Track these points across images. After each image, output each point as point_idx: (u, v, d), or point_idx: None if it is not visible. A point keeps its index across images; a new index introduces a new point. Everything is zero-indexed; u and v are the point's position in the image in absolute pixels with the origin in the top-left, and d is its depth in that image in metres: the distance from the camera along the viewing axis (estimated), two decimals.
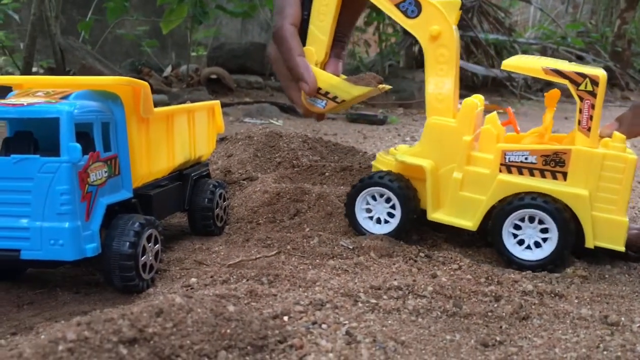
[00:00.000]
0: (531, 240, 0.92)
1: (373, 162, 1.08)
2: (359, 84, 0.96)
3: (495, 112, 1.02)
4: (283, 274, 0.84)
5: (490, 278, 0.84)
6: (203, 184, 1.06)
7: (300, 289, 0.79)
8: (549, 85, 5.61)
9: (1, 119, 0.77)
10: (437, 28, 0.93)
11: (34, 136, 0.79)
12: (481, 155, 0.96)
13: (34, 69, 3.47)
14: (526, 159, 0.92)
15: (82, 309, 0.73)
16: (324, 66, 1.00)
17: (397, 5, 0.95)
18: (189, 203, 1.04)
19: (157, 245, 0.84)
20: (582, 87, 0.89)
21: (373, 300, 0.74)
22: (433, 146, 0.97)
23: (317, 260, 0.91)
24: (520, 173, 0.92)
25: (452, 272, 0.87)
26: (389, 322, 0.70)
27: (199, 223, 1.05)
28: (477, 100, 1.01)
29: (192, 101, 3.38)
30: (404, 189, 0.97)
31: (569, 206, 0.90)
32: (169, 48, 5.63)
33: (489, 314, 0.73)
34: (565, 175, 0.90)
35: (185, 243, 1.02)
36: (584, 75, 0.89)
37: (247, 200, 1.17)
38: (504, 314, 0.73)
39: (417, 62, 6.09)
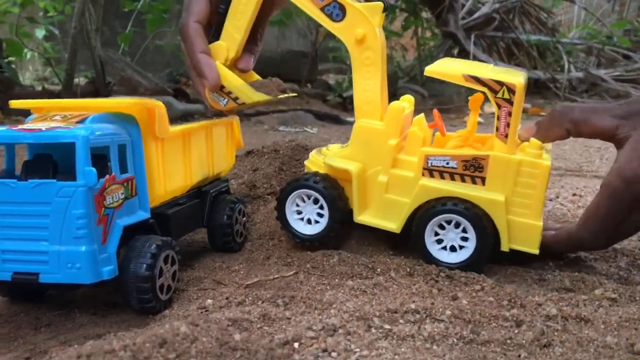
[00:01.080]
0: (452, 244, 0.94)
1: (305, 162, 1.10)
2: (261, 91, 0.98)
3: (422, 115, 1.04)
4: (299, 295, 0.83)
5: (512, 301, 0.82)
6: (222, 200, 1.07)
7: (316, 312, 0.78)
8: (595, 85, 5.46)
9: (17, 144, 0.79)
10: (361, 31, 0.95)
11: (53, 159, 0.80)
12: (406, 158, 0.98)
13: (76, 80, 3.57)
14: (447, 163, 0.94)
15: (97, 332, 0.74)
16: (235, 62, 1.01)
17: (322, 9, 0.97)
18: (208, 220, 1.04)
19: (175, 266, 0.84)
20: (499, 94, 0.90)
21: (387, 326, 0.72)
22: (361, 149, 0.99)
23: (336, 280, 0.90)
24: (442, 177, 0.94)
25: (473, 294, 0.84)
26: (402, 349, 0.68)
27: (218, 240, 1.06)
28: (405, 102, 1.03)
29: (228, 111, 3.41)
30: (331, 190, 0.98)
31: (486, 212, 0.92)
32: None
33: (508, 341, 0.71)
34: (483, 180, 0.93)
35: (206, 261, 1.02)
36: (501, 83, 0.90)
37: (270, 215, 1.16)
38: (524, 341, 0.71)
39: None
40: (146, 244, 0.80)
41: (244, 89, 0.98)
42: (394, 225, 0.97)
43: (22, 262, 0.74)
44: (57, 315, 0.81)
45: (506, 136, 0.92)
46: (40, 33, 5.97)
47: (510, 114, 0.91)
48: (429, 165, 0.95)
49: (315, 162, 1.06)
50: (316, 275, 0.92)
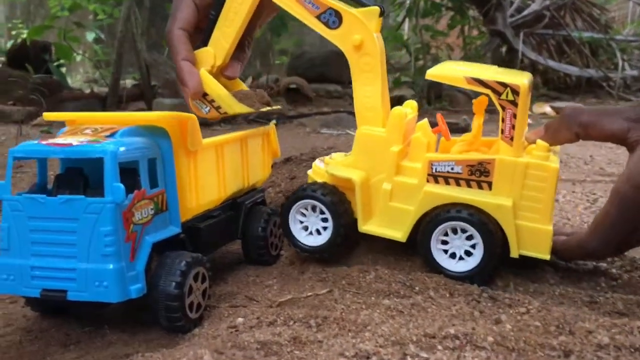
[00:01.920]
0: (459, 252, 0.91)
1: (309, 172, 1.07)
2: (244, 103, 0.96)
3: (425, 120, 1.00)
4: (333, 315, 0.79)
5: (561, 326, 0.76)
6: (257, 212, 1.04)
7: (349, 335, 0.74)
8: None
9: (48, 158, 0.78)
10: (358, 37, 0.92)
11: (84, 172, 0.79)
12: (410, 165, 0.95)
13: (123, 82, 3.63)
14: (452, 169, 0.91)
15: (126, 351, 0.73)
16: (222, 69, 1.00)
17: (318, 17, 0.94)
18: (242, 232, 1.02)
19: (205, 283, 0.82)
20: (503, 96, 0.87)
21: (424, 355, 0.68)
22: (364, 156, 0.97)
23: (372, 299, 0.86)
24: (447, 183, 0.91)
25: (518, 317, 0.79)
26: None
27: (253, 252, 1.03)
28: (408, 107, 1.01)
29: (271, 113, 3.41)
30: (335, 200, 0.96)
31: (493, 217, 0.88)
32: (254, 55, 5.73)
33: None
34: (490, 184, 0.90)
35: (240, 274, 1.00)
36: (505, 85, 0.87)
37: None
38: None
39: (504, 63, 5.86)
40: (176, 260, 0.78)
41: (226, 98, 0.96)
42: (399, 234, 0.95)
43: (50, 279, 0.73)
44: (87, 332, 0.80)
45: (512, 139, 0.89)
46: (90, 36, 6.13)
47: (515, 115, 0.88)
48: (434, 171, 0.92)
49: (319, 171, 1.04)
50: (351, 293, 0.89)
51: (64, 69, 4.85)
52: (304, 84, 3.94)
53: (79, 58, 5.57)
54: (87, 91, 5.07)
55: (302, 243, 0.99)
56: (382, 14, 0.93)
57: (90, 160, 0.74)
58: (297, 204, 0.98)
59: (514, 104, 0.87)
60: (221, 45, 0.97)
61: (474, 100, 1.01)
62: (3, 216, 0.75)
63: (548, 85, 5.78)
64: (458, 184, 0.91)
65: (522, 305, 0.83)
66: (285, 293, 0.90)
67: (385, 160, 0.95)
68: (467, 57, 5.14)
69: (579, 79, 5.55)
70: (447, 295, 0.86)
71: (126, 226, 0.73)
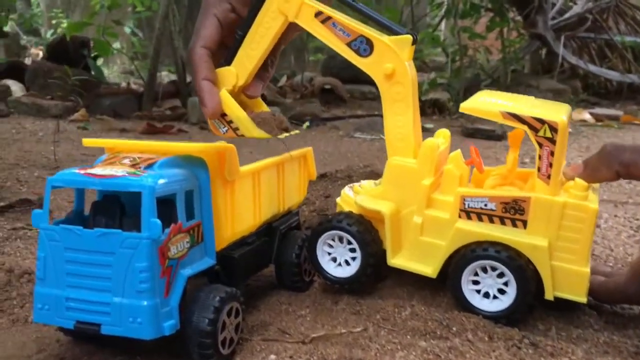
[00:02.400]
0: (490, 291, 0.88)
1: (337, 200, 1.06)
2: (263, 127, 0.93)
3: (458, 151, 0.98)
4: (367, 357, 0.78)
5: None
6: (292, 237, 1.03)
7: None
8: None
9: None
10: (390, 66, 0.90)
11: (120, 200, 0.78)
12: (442, 198, 0.93)
13: (159, 74, 3.65)
14: (485, 205, 0.88)
15: None
16: (244, 88, 0.98)
17: (349, 45, 0.92)
18: (276, 258, 1.01)
19: (238, 318, 0.81)
20: (540, 133, 0.84)
21: None
22: (394, 188, 0.94)
23: (408, 338, 0.84)
24: (480, 220, 0.89)
25: None
26: None
27: (286, 278, 1.02)
28: (441, 137, 1.00)
29: (304, 114, 3.40)
30: (364, 232, 0.94)
31: (528, 257, 0.86)
32: (288, 51, 5.72)
33: None
34: (525, 223, 0.87)
35: (272, 301, 0.98)
36: (542, 121, 0.84)
37: None
38: None
39: (543, 67, 5.74)
40: (210, 295, 0.77)
41: (245, 122, 0.94)
42: (429, 269, 0.92)
43: (85, 311, 0.73)
44: None
45: (549, 177, 0.86)
46: (128, 29, 6.18)
47: (552, 153, 0.85)
48: (466, 206, 0.90)
49: (347, 200, 1.02)
50: (386, 330, 0.87)
51: (101, 60, 4.92)
52: (338, 84, 3.91)
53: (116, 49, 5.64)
54: (124, 84, 5.13)
55: (331, 275, 0.98)
56: (414, 42, 0.90)
57: (128, 192, 0.73)
58: (324, 235, 0.97)
59: (552, 141, 0.84)
60: (244, 67, 0.96)
61: (509, 133, 0.98)
62: (40, 245, 0.75)
63: (588, 91, 5.65)
64: (491, 221, 0.89)
65: (564, 354, 0.80)
66: (319, 327, 0.88)
67: (416, 193, 0.93)
68: (505, 60, 5.05)
69: (620, 84, 5.41)
70: (486, 338, 0.84)
71: (162, 262, 0.72)
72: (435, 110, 4.11)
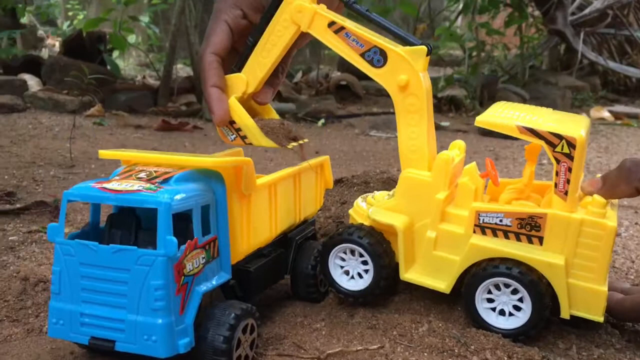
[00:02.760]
0: (504, 308, 0.87)
1: (350, 212, 1.04)
2: (270, 137, 0.93)
3: (474, 164, 0.96)
4: None
5: None
6: (307, 247, 1.02)
7: None
8: None
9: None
10: (404, 77, 0.88)
11: (136, 213, 0.78)
12: (456, 212, 0.91)
13: (174, 67, 3.64)
14: (501, 221, 0.87)
15: None
16: (254, 94, 0.97)
17: (362, 55, 0.90)
18: (292, 269, 1.00)
19: (254, 334, 0.80)
20: (558, 148, 0.83)
21: None
22: (407, 200, 0.93)
23: (425, 356, 0.83)
24: (495, 235, 0.87)
25: None
26: None
27: (301, 289, 1.01)
28: (456, 149, 0.99)
29: (320, 111, 3.38)
30: (377, 246, 0.93)
31: (544, 275, 0.84)
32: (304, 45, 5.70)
33: None
34: (541, 240, 0.85)
35: (287, 313, 0.97)
36: (560, 137, 0.82)
37: None
38: None
39: (561, 63, 5.67)
40: (225, 312, 0.76)
41: (253, 130, 0.93)
42: (443, 285, 0.91)
43: (100, 327, 0.72)
44: None
45: (566, 193, 0.84)
46: (144, 20, 6.19)
47: (570, 169, 0.83)
48: (481, 222, 0.88)
49: (360, 212, 1.01)
50: (403, 347, 0.85)
51: (117, 52, 4.92)
52: (354, 81, 3.89)
53: (132, 41, 5.64)
54: (139, 77, 5.14)
55: (344, 288, 0.97)
56: (429, 52, 0.89)
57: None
58: (335, 248, 0.96)
59: (570, 157, 0.83)
60: (255, 74, 0.95)
61: (526, 147, 0.96)
62: (55, 259, 0.75)
63: (607, 88, 5.57)
64: (507, 237, 0.87)
65: None
66: (334, 342, 0.87)
67: (430, 206, 0.91)
68: (523, 56, 4.99)
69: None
70: (506, 358, 0.82)
71: (177, 279, 0.71)
72: (451, 107, 4.08)
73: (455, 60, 5.79)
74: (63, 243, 0.74)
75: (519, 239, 0.87)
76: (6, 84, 3.29)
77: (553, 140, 0.83)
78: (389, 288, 0.97)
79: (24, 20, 6.67)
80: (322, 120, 3.28)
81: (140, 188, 0.73)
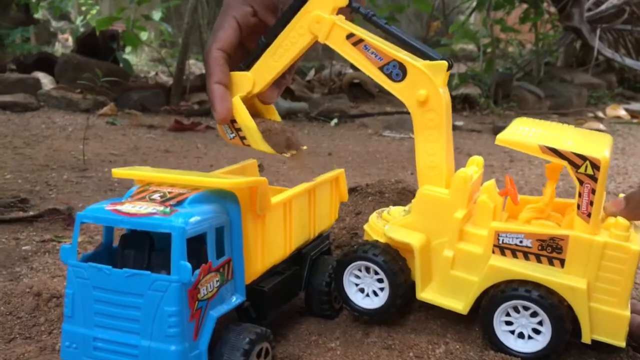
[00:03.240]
0: (524, 331, 0.86)
1: (365, 227, 1.02)
2: (269, 142, 0.91)
3: (492, 180, 0.93)
4: None
5: None
6: (322, 263, 1.00)
7: None
8: None
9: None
10: (424, 93, 0.86)
11: (150, 234, 0.77)
12: (474, 231, 0.89)
13: (187, 66, 3.64)
14: (521, 242, 0.85)
15: None
16: (259, 94, 0.95)
17: (381, 68, 0.88)
18: (306, 285, 0.98)
19: (268, 357, 0.79)
20: (581, 169, 0.81)
21: None
22: (424, 218, 0.91)
23: None
24: (515, 256, 0.85)
25: None
26: None
27: (315, 306, 1.00)
28: (474, 165, 0.97)
29: (332, 110, 3.36)
30: (393, 264, 0.91)
31: (564, 298, 0.83)
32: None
33: None
34: (562, 262, 0.83)
35: (301, 330, 0.96)
36: (583, 158, 0.80)
37: None
38: None
39: (577, 60, 5.60)
40: (239, 337, 0.75)
41: (254, 133, 0.91)
42: (460, 305, 0.89)
43: (113, 352, 0.71)
44: None
45: (589, 215, 0.82)
46: (157, 15, 6.18)
47: (593, 191, 0.81)
48: (500, 242, 0.86)
49: (375, 228, 0.99)
50: None
51: (129, 48, 4.92)
52: (367, 79, 3.86)
53: (145, 37, 5.64)
54: (152, 73, 5.14)
55: (359, 306, 0.95)
56: (449, 67, 0.86)
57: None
58: (350, 266, 0.94)
59: (593, 178, 0.81)
60: (263, 76, 0.93)
61: (547, 165, 0.94)
62: (68, 282, 0.74)
63: (623, 85, 5.50)
64: (527, 258, 0.85)
65: None
66: None
67: (448, 225, 0.90)
68: (538, 54, 4.93)
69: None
70: None
71: (191, 305, 0.70)
72: (465, 106, 4.04)
73: (469, 56, 5.74)
74: (76, 266, 0.73)
75: (539, 261, 0.85)
76: (19, 83, 3.30)
77: (576, 161, 0.81)
78: (404, 306, 0.96)
79: (37, 15, 6.69)
80: (335, 120, 3.26)
81: (154, 211, 0.72)
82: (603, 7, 5.23)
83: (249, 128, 0.92)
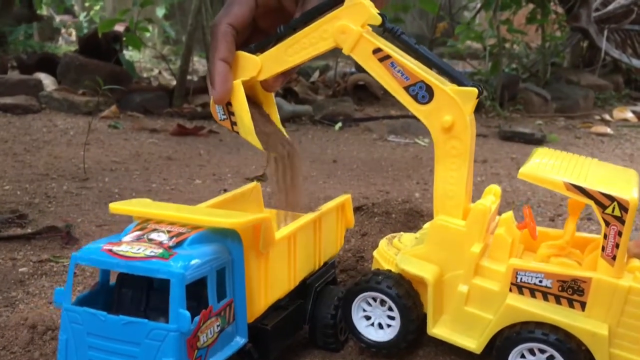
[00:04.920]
0: None
1: (374, 254, 0.99)
2: (260, 138, 0.88)
3: (510, 212, 0.90)
4: None
5: None
6: (327, 294, 0.97)
7: None
8: None
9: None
10: (449, 119, 0.82)
11: None
12: (491, 266, 0.85)
13: (192, 62, 3.60)
14: (540, 281, 0.81)
15: None
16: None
17: (406, 88, 0.83)
18: (310, 318, 0.95)
19: None
20: (608, 210, 0.77)
21: None
22: (438, 249, 0.88)
23: None
24: (533, 296, 0.82)
25: None
26: None
27: (320, 339, 0.96)
28: (491, 195, 0.93)
29: (337, 114, 3.32)
30: (405, 297, 0.87)
31: (584, 343, 0.79)
32: None
33: None
34: (583, 305, 0.80)
35: None
36: (611, 198, 0.76)
37: None
38: None
39: (584, 61, 5.54)
40: None
41: (247, 123, 0.87)
42: (474, 344, 0.86)
43: None
44: None
45: (614, 258, 0.78)
46: (160, 12, 6.14)
47: (620, 233, 0.77)
48: (519, 280, 0.83)
49: (385, 256, 0.96)
50: None
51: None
52: (372, 82, 3.81)
53: (148, 34, 5.61)
54: (155, 71, 5.10)
55: (367, 338, 0.92)
56: (479, 95, 0.82)
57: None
58: (360, 296, 0.91)
59: (621, 220, 0.77)
60: (272, 66, 0.88)
61: (569, 200, 0.89)
62: (62, 327, 0.70)
63: (630, 86, 5.45)
64: (546, 299, 0.82)
65: None
66: None
67: (463, 259, 0.86)
68: (544, 54, 4.88)
69: None
70: None
71: (190, 354, 0.67)
72: None
73: (474, 54, 5.69)
74: (70, 310, 0.70)
75: (559, 302, 0.81)
76: (21, 84, 3.27)
77: (603, 201, 0.77)
78: (414, 341, 0.92)
79: (41, 11, 6.66)
80: (339, 124, 3.22)
81: (152, 254, 0.68)
82: (610, 7, 5.17)
83: (242, 117, 0.87)
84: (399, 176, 2.28)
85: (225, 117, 0.90)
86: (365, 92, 3.83)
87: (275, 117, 0.97)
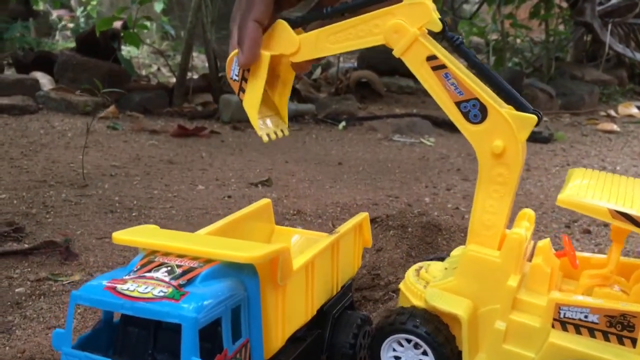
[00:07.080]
0: None
1: (400, 286, 0.91)
2: (263, 117, 0.85)
3: (548, 240, 0.84)
4: None
5: None
6: (345, 321, 0.90)
7: None
8: None
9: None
10: (500, 144, 0.75)
11: None
12: (530, 300, 0.79)
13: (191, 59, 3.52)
14: (586, 317, 0.75)
15: None
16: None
17: (458, 104, 0.76)
18: (328, 348, 0.89)
19: None
20: None
21: None
22: (471, 282, 0.81)
23: None
24: (579, 332, 0.75)
25: None
26: None
27: None
28: (525, 221, 0.86)
29: (340, 112, 3.25)
30: (434, 333, 0.80)
31: None
32: None
33: None
34: (634, 341, 0.73)
35: None
36: None
37: None
38: None
39: (587, 55, 5.48)
40: None
41: (256, 97, 0.82)
42: None
43: None
44: None
45: None
46: (158, 7, 6.04)
47: None
48: (562, 316, 0.76)
49: (413, 289, 0.88)
50: None
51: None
52: (375, 79, 3.74)
53: (146, 30, 5.52)
54: (154, 67, 5.02)
55: None
56: (538, 123, 0.75)
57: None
58: (387, 340, 0.83)
59: None
60: (310, 50, 0.80)
61: (612, 225, 0.81)
62: None
63: (634, 80, 5.39)
64: (592, 335, 0.75)
65: None
66: None
67: (499, 292, 0.79)
68: (548, 50, 4.81)
69: None
70: None
71: None
72: None
73: (475, 47, 5.62)
74: (70, 355, 0.64)
75: (607, 339, 0.74)
76: (18, 84, 3.19)
77: None
78: None
79: (37, 7, 6.55)
80: (343, 123, 3.15)
81: (161, 294, 0.62)
82: (614, 0, 5.11)
83: (254, 90, 0.81)
84: (407, 179, 2.22)
85: (237, 79, 0.83)
86: (368, 89, 3.76)
87: (286, 96, 0.90)
